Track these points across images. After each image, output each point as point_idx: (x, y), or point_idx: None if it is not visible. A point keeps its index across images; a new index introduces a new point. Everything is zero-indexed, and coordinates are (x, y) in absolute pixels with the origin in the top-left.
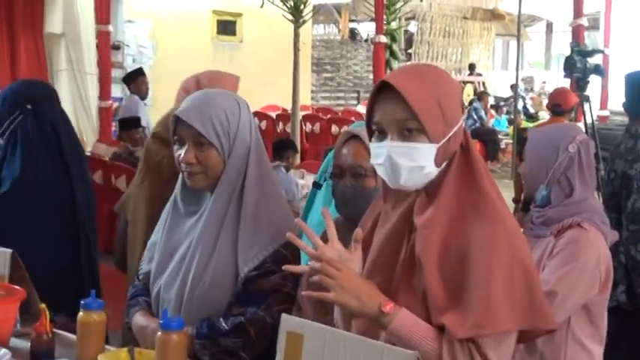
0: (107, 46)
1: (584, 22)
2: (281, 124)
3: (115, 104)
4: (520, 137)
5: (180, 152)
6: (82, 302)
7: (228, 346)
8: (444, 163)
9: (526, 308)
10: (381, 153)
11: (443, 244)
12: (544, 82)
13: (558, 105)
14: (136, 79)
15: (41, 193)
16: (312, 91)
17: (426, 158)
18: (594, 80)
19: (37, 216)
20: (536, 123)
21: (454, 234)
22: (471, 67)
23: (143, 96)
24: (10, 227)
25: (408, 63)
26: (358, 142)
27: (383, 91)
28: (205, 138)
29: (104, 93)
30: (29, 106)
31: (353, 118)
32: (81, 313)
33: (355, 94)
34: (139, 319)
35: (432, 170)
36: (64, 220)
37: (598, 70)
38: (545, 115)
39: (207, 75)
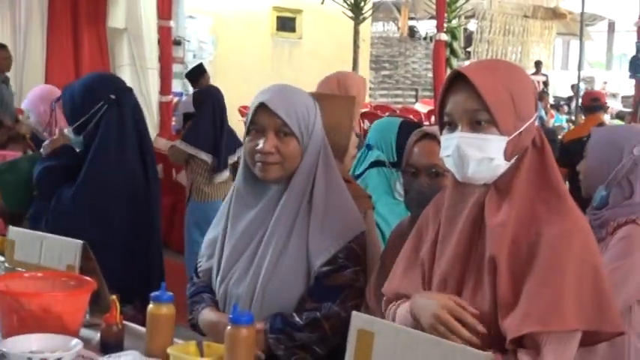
0: (169, 42)
1: None
2: None
3: (175, 99)
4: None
5: (258, 142)
6: (152, 295)
7: (303, 340)
8: (514, 158)
9: (594, 309)
10: (451, 144)
11: (514, 244)
12: (605, 83)
13: (597, 99)
14: (199, 76)
15: (123, 181)
16: (370, 89)
17: (496, 150)
18: None
19: (117, 203)
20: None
21: (526, 233)
22: (537, 65)
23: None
24: (91, 214)
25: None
26: (432, 141)
27: (455, 82)
28: (289, 128)
29: (165, 88)
30: (113, 97)
31: (411, 116)
32: (151, 306)
33: (413, 92)
34: (209, 314)
35: (500, 163)
36: (140, 208)
37: None
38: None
39: (342, 75)
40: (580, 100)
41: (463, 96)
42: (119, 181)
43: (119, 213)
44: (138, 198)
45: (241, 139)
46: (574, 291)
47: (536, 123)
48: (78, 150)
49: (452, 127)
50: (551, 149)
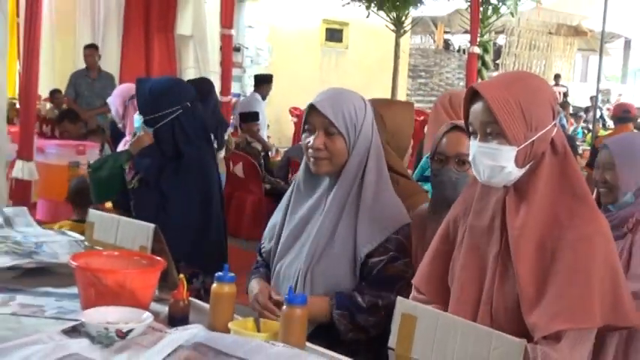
0: (229, 48)
1: None
2: None
3: (234, 99)
4: (593, 147)
5: (310, 139)
6: (216, 275)
7: (362, 321)
8: (530, 164)
9: (610, 306)
10: (472, 152)
11: (538, 246)
12: (620, 95)
13: (628, 111)
14: (264, 83)
15: (210, 174)
16: (408, 95)
17: (507, 159)
18: None
19: (212, 192)
20: (607, 132)
21: (550, 235)
22: (556, 77)
23: (264, 97)
24: (198, 202)
25: (507, 71)
26: (460, 132)
27: (475, 95)
28: (335, 127)
29: (225, 89)
30: (189, 104)
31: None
32: (214, 285)
33: None
34: (255, 283)
35: (512, 170)
36: (213, 197)
37: None
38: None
39: (455, 92)
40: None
41: (479, 109)
42: (210, 174)
43: (215, 200)
44: (213, 186)
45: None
46: (597, 291)
47: (557, 130)
48: None
49: (473, 134)
50: (574, 157)
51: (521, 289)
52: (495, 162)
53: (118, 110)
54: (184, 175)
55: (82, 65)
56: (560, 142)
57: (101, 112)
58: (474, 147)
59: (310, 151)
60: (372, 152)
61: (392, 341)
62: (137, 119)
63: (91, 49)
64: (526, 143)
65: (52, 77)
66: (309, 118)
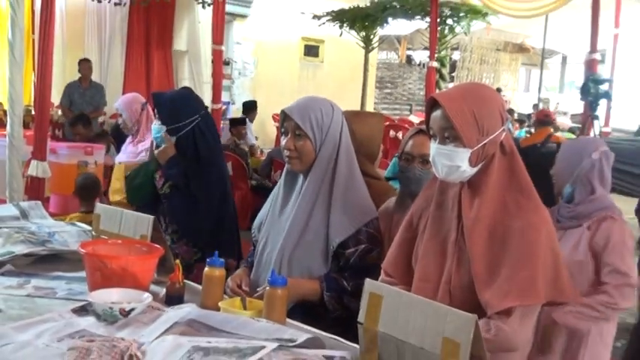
0: (220, 62)
1: (597, 56)
2: None
3: (224, 107)
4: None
5: (284, 141)
6: (207, 260)
7: (348, 301)
8: (481, 163)
9: (551, 285)
10: (432, 152)
11: (489, 233)
12: (558, 103)
13: (548, 115)
14: (252, 109)
15: (226, 175)
16: (375, 103)
17: (462, 160)
18: (602, 103)
19: (227, 191)
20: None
21: (499, 225)
22: (498, 90)
23: (251, 120)
24: (202, 201)
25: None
26: (424, 136)
27: (435, 104)
28: (302, 130)
29: (216, 98)
30: (204, 112)
31: (406, 125)
32: (206, 269)
33: (408, 107)
34: (238, 270)
35: (466, 169)
36: (228, 194)
37: (607, 95)
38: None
39: None
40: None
41: (438, 115)
42: (226, 174)
43: (230, 197)
44: (226, 182)
45: None
46: (541, 272)
47: (505, 134)
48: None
49: (433, 138)
50: (519, 156)
51: (474, 270)
52: (452, 162)
53: (130, 116)
54: (207, 177)
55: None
56: (508, 144)
57: (94, 115)
58: (433, 149)
59: (285, 151)
60: (342, 151)
61: (361, 316)
62: (157, 129)
63: (87, 63)
64: (478, 146)
65: (63, 87)
66: (284, 123)
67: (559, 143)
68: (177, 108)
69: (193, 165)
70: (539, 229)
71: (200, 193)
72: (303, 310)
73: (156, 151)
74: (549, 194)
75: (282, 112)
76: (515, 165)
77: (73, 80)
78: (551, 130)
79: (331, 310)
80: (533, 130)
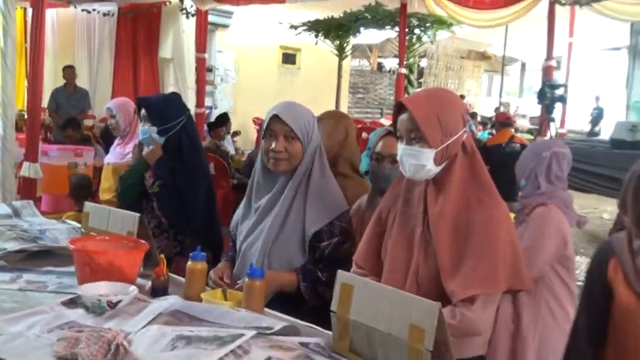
0: (203, 69)
1: (553, 63)
2: None
3: (207, 111)
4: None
5: (273, 143)
6: (190, 255)
7: (322, 292)
8: (445, 162)
9: (511, 274)
10: (399, 153)
11: (453, 227)
12: (517, 107)
13: (508, 118)
14: (226, 121)
15: (204, 169)
16: (349, 107)
17: (427, 159)
18: (558, 106)
19: (203, 185)
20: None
21: (462, 219)
22: (462, 97)
23: (227, 131)
24: (189, 197)
25: (428, 88)
26: (393, 137)
27: (402, 108)
28: (295, 133)
29: (199, 102)
30: (188, 113)
31: (377, 128)
32: (189, 262)
33: (379, 110)
34: (220, 264)
35: (432, 168)
36: (211, 191)
37: (562, 99)
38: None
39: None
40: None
41: (405, 118)
42: (209, 171)
43: (212, 192)
44: (208, 178)
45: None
46: (502, 263)
47: (467, 135)
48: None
49: (400, 139)
50: (479, 156)
51: (440, 262)
52: (418, 161)
53: (125, 118)
54: (193, 174)
55: (80, 83)
56: (470, 144)
57: (81, 117)
58: (400, 149)
59: (272, 153)
60: (318, 153)
61: (334, 305)
62: (145, 131)
63: (70, 69)
64: (442, 146)
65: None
66: (272, 126)
67: (522, 143)
68: (167, 110)
69: (180, 163)
70: (499, 223)
71: (187, 189)
72: (281, 301)
73: (144, 153)
74: (512, 190)
75: (275, 115)
76: (476, 164)
77: (59, 86)
78: (512, 131)
79: (307, 299)
80: (494, 131)
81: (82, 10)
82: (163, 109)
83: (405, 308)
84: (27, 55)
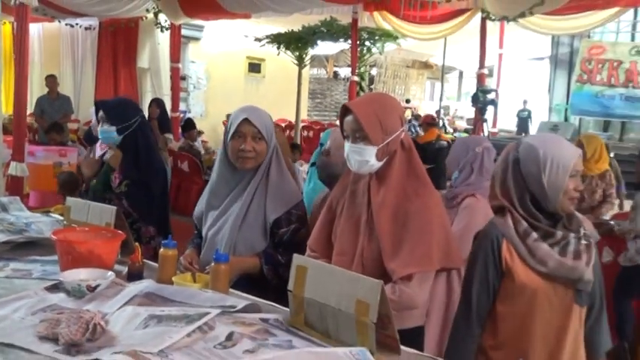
0: (177, 77)
1: (485, 71)
2: (288, 132)
3: (181, 115)
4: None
5: (241, 144)
6: (162, 242)
7: (282, 272)
8: (386, 158)
9: (443, 254)
10: (346, 150)
11: (393, 215)
12: (456, 109)
13: (433, 119)
14: (188, 129)
15: (159, 164)
16: (308, 111)
17: (370, 155)
18: (489, 109)
19: (161, 177)
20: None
21: (400, 208)
22: (407, 101)
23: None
24: (155, 189)
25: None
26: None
27: (347, 111)
28: (262, 134)
29: (174, 107)
30: (142, 114)
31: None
32: (162, 249)
33: (335, 113)
34: (187, 251)
35: (374, 163)
36: (164, 181)
37: (493, 102)
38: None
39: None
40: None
41: (350, 120)
42: (162, 165)
43: (159, 184)
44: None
45: None
46: (435, 245)
47: (413, 135)
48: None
49: (346, 138)
50: (416, 150)
51: (382, 245)
52: (362, 157)
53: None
54: (152, 166)
55: (65, 90)
56: (407, 141)
57: (64, 121)
58: (347, 147)
59: (241, 152)
60: (275, 150)
61: (290, 285)
62: (106, 130)
63: (52, 78)
64: (383, 144)
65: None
66: (241, 128)
67: (447, 141)
68: (123, 111)
69: (138, 158)
70: (432, 210)
71: (151, 179)
72: (247, 282)
73: (107, 158)
74: (442, 180)
75: (245, 119)
76: (413, 159)
77: (43, 94)
78: (437, 130)
79: (269, 280)
80: (422, 131)
81: (66, 25)
82: (120, 110)
83: (352, 286)
84: None
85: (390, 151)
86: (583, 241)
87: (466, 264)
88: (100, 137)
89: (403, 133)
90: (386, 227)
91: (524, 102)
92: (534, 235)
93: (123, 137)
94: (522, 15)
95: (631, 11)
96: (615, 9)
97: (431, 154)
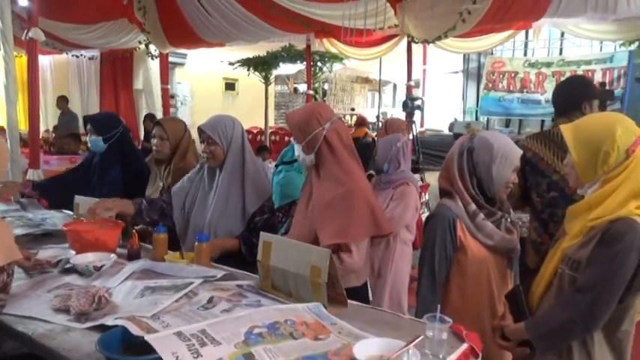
0: (167, 96)
1: (412, 83)
2: (259, 136)
3: None
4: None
5: (202, 147)
6: (155, 228)
7: (257, 252)
8: (314, 152)
9: (371, 224)
10: (295, 150)
11: (327, 198)
12: (392, 114)
13: (363, 120)
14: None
15: (141, 168)
16: (275, 119)
17: (299, 151)
18: (417, 113)
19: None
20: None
21: (333, 191)
22: (352, 109)
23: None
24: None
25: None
26: None
27: None
28: (213, 139)
29: None
30: (124, 124)
31: None
32: (155, 234)
33: None
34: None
35: (305, 157)
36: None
37: (419, 107)
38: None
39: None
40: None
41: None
42: (143, 167)
43: (140, 184)
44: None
45: None
46: (357, 220)
47: (327, 132)
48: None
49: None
50: (348, 141)
51: (317, 224)
52: (298, 153)
53: None
54: (141, 169)
55: (74, 109)
56: (331, 138)
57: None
58: (295, 147)
59: (203, 153)
60: (246, 150)
61: (259, 256)
62: (95, 140)
63: (60, 98)
64: (303, 142)
65: (55, 118)
66: (201, 135)
67: (372, 137)
68: (107, 122)
69: (126, 158)
70: (355, 192)
71: (131, 181)
72: (228, 258)
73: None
74: (366, 169)
75: (199, 127)
76: (336, 151)
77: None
78: (366, 129)
79: (246, 257)
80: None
81: (72, 55)
82: (105, 122)
83: (307, 255)
84: None
85: (314, 146)
86: (509, 219)
87: (423, 243)
88: (89, 146)
89: (324, 132)
90: (322, 207)
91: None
92: (481, 215)
93: (108, 145)
94: (439, 38)
95: (523, 33)
96: (510, 31)
97: (358, 147)
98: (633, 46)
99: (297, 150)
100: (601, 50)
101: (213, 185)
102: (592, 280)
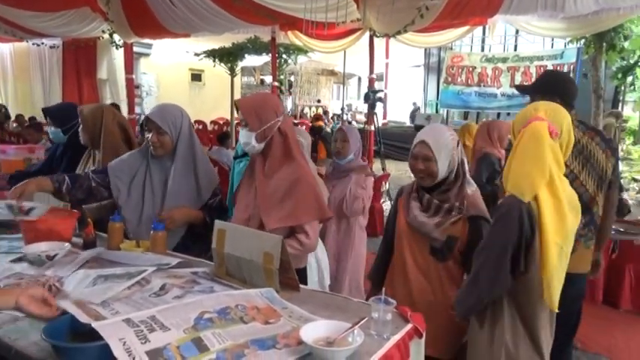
0: (132, 86)
1: (374, 76)
2: (225, 127)
3: (137, 117)
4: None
5: (149, 136)
6: (110, 217)
7: (211, 223)
8: (265, 141)
9: (316, 209)
10: (240, 135)
11: (273, 185)
12: (357, 107)
13: (320, 115)
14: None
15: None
16: None
17: (251, 139)
18: (379, 105)
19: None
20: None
21: (279, 179)
22: (318, 101)
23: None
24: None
25: (257, 92)
26: None
27: (238, 105)
28: (162, 129)
29: (131, 111)
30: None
31: None
32: (110, 223)
33: None
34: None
35: (256, 145)
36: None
37: (381, 99)
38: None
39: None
40: (349, 116)
41: (240, 112)
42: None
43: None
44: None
45: None
46: (304, 204)
47: (281, 123)
48: (58, 142)
49: (241, 127)
50: (295, 135)
51: (260, 206)
52: (248, 140)
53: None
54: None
55: (36, 99)
56: (284, 129)
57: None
58: (240, 133)
59: (150, 143)
60: (194, 139)
61: (213, 244)
62: (54, 132)
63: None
64: (260, 130)
65: (16, 108)
66: (148, 124)
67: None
68: (65, 115)
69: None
70: (300, 179)
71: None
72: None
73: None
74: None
75: (146, 116)
76: (288, 142)
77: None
78: (321, 122)
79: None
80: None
81: (33, 44)
82: (63, 114)
83: (260, 242)
84: None
85: (267, 135)
86: (445, 206)
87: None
88: (50, 137)
89: (279, 123)
90: (266, 196)
91: (414, 104)
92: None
93: (68, 136)
94: (399, 32)
95: (480, 29)
96: (467, 27)
97: (321, 136)
98: (580, 43)
99: (248, 137)
100: (552, 47)
101: (164, 175)
102: (480, 245)
